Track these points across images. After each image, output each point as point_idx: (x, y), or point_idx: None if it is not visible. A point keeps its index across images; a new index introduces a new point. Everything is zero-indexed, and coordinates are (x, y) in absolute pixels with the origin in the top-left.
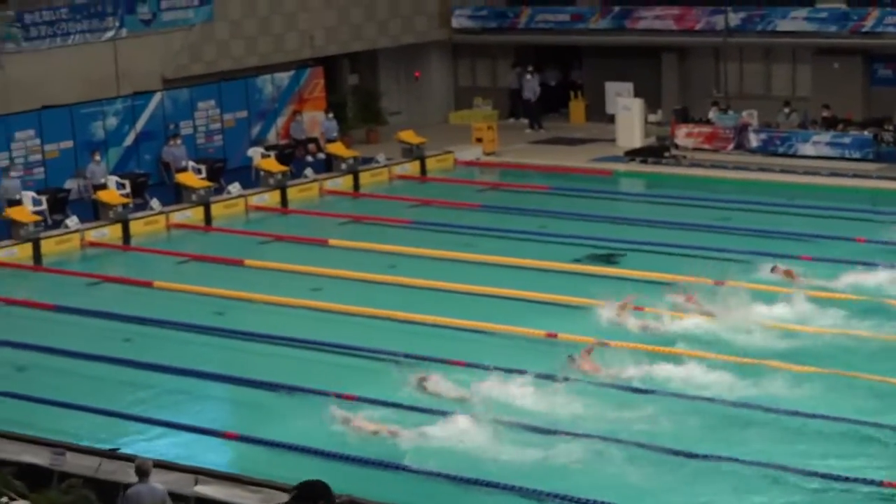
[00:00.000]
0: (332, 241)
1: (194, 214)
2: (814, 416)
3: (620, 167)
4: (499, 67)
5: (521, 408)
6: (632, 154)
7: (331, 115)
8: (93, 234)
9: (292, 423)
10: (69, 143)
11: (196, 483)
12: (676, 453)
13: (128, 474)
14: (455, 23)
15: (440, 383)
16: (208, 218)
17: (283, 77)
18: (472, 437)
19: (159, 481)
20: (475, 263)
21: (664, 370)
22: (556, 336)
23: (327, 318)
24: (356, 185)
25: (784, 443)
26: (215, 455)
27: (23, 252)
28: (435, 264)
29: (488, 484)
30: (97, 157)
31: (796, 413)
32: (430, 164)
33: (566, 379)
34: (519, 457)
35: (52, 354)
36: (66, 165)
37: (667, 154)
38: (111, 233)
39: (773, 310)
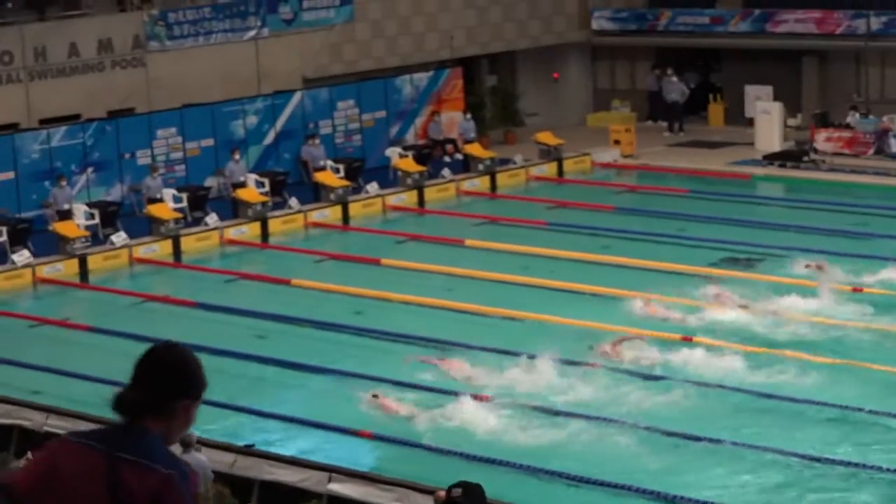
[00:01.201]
0: (468, 242)
1: (332, 213)
2: None
3: (759, 171)
4: (638, 69)
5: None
6: (770, 158)
7: (469, 115)
8: (231, 232)
9: (426, 424)
10: (210, 142)
11: (330, 481)
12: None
13: (261, 470)
14: (594, 24)
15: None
16: (346, 217)
17: (422, 77)
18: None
19: (293, 479)
20: (611, 266)
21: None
22: (691, 340)
23: (462, 319)
24: (493, 186)
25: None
26: (350, 453)
27: (163, 249)
28: (570, 266)
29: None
30: (236, 156)
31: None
32: (568, 165)
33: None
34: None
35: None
36: (206, 163)
37: (806, 158)
38: (250, 230)
39: None
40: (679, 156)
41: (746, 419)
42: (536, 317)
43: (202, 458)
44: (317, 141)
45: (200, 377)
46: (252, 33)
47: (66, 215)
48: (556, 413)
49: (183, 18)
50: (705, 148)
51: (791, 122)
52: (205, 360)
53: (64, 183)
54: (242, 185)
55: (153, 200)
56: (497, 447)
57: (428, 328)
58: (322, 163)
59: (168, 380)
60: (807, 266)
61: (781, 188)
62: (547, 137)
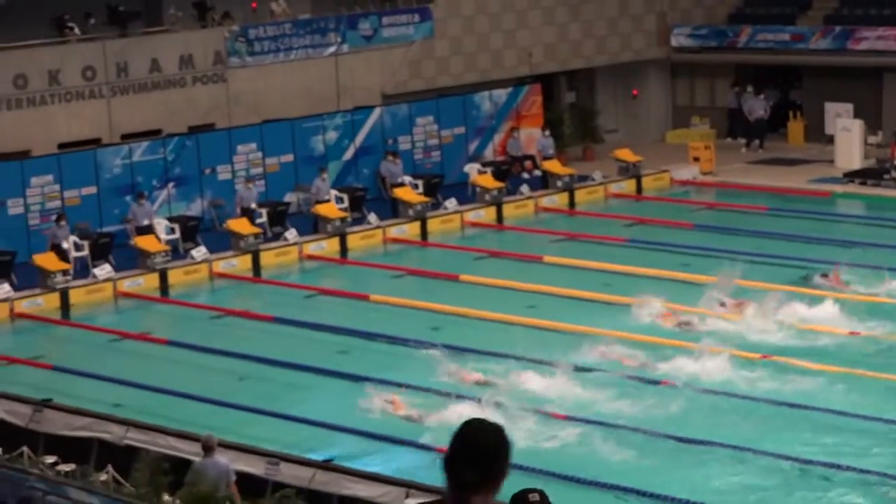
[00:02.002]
0: (546, 258)
1: (411, 229)
2: None
3: (839, 189)
4: (717, 86)
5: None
6: (851, 176)
7: (547, 132)
8: (311, 247)
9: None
10: (289, 157)
11: (407, 497)
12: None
13: (339, 485)
14: (674, 41)
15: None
16: (424, 233)
17: (501, 94)
18: None
19: (371, 494)
20: (690, 283)
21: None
22: (769, 358)
23: (542, 336)
24: (571, 203)
25: None
26: (427, 470)
27: (243, 263)
28: (649, 283)
29: None
30: (325, 175)
31: None
32: (646, 182)
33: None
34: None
35: (270, 365)
36: (286, 179)
37: (886, 176)
38: (329, 246)
39: None
40: (758, 173)
41: (823, 436)
42: (616, 334)
43: (222, 461)
44: (396, 159)
45: (511, 449)
46: (332, 49)
47: (146, 230)
48: (628, 428)
49: (263, 34)
50: (785, 165)
51: (871, 139)
52: (284, 374)
53: (143, 200)
54: (325, 201)
55: (245, 211)
56: (563, 462)
57: (507, 345)
58: (399, 179)
59: (498, 459)
60: (823, 276)
61: (862, 206)
62: (625, 154)
